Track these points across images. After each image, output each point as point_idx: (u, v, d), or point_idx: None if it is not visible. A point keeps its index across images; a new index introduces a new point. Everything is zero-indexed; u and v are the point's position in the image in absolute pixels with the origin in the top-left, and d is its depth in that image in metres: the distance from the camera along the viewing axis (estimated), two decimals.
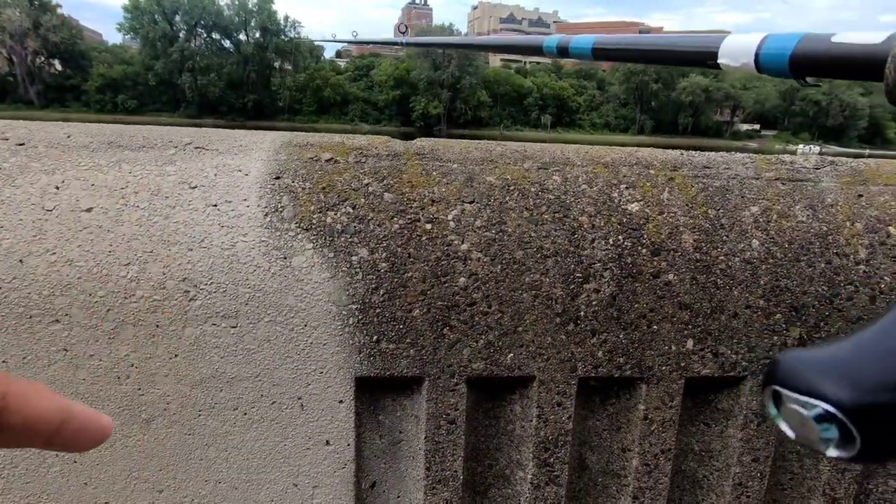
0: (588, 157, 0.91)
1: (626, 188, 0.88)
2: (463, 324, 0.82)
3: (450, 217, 0.82)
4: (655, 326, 0.86)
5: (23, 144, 0.80)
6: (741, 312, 0.86)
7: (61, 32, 49.55)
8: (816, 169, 0.95)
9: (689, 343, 0.87)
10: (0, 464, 0.79)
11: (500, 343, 0.83)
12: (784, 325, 0.88)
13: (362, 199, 0.82)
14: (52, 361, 0.77)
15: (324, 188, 0.82)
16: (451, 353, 0.83)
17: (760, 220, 0.88)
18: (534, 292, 0.82)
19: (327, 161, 0.84)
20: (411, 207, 0.82)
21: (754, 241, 0.87)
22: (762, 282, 0.86)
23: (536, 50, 0.98)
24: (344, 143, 0.88)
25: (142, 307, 0.76)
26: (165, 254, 0.76)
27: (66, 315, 0.75)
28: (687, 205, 0.88)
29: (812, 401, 0.23)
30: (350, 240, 0.79)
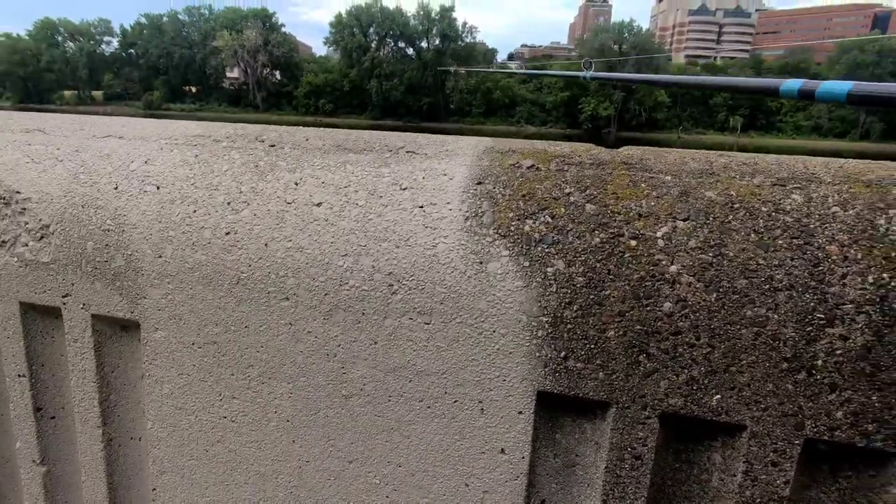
0: (842, 174, 0.75)
1: None
2: (663, 353, 0.74)
3: (658, 234, 0.75)
4: None
5: (274, 146, 0.95)
6: None
7: (283, 47, 59.42)
8: None
9: None
10: (230, 413, 0.95)
11: (707, 381, 0.73)
12: None
13: (562, 209, 0.79)
14: (279, 332, 0.89)
15: (524, 195, 0.81)
16: (646, 382, 0.76)
17: None
18: (756, 329, 0.71)
19: (528, 168, 0.83)
20: (615, 221, 0.76)
21: None
22: None
23: (770, 92, 0.85)
24: (546, 150, 0.86)
25: (352, 295, 0.84)
26: (376, 249, 0.83)
27: (295, 294, 0.87)
28: None
29: None
30: (547, 250, 0.77)
